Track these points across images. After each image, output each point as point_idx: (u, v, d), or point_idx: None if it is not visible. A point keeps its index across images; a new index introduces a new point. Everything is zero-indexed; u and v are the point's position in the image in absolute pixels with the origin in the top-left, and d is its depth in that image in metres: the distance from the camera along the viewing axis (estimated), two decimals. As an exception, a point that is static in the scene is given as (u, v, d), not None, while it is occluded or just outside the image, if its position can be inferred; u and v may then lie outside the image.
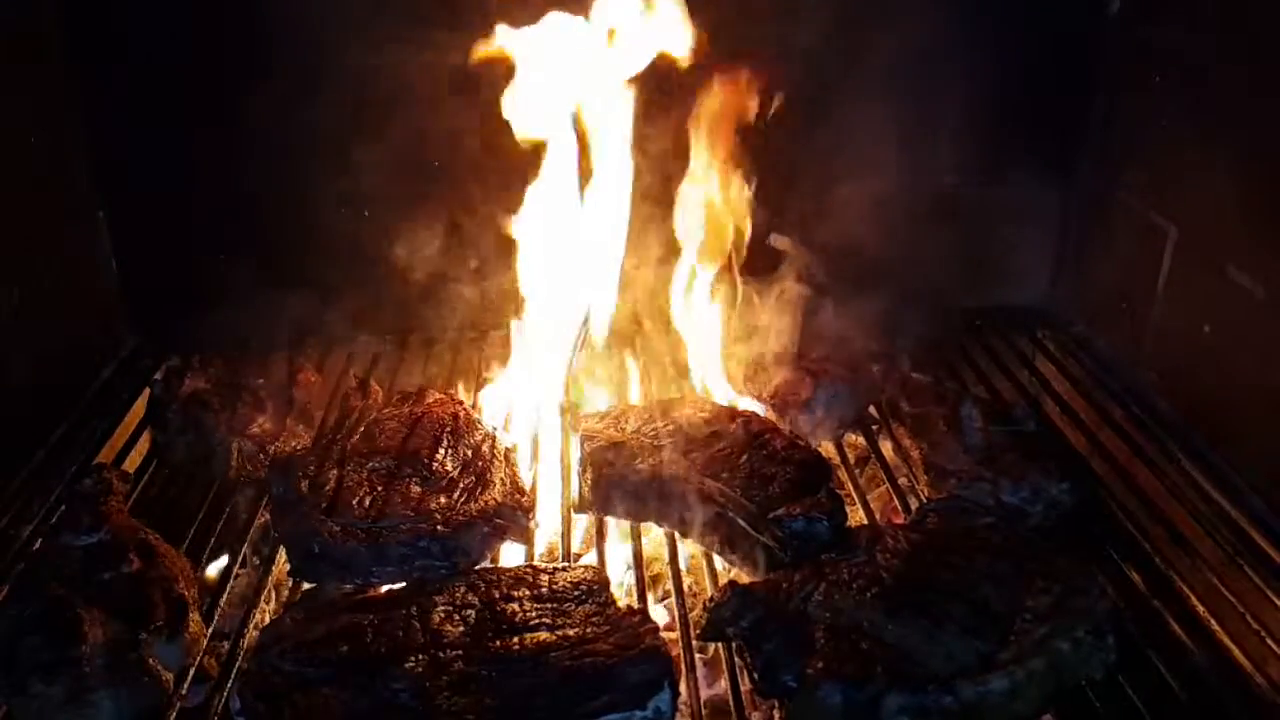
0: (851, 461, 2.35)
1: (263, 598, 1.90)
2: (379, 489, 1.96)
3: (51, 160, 2.49)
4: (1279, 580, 1.85)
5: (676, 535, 2.01)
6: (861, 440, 2.42)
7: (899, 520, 2.09)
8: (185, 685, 1.65)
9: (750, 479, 1.97)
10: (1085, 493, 2.10)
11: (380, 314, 2.80)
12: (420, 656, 1.57)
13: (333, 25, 2.39)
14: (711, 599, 1.70)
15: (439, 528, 1.85)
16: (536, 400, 2.46)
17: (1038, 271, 2.94)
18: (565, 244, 2.49)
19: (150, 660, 1.62)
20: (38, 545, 1.95)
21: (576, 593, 1.71)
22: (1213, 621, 1.79)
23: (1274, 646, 1.72)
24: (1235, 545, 1.95)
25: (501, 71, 2.37)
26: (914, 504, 2.10)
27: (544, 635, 1.61)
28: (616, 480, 2.03)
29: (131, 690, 1.58)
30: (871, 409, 2.46)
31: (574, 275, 2.50)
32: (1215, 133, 2.24)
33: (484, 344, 2.79)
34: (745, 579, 1.86)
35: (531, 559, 1.98)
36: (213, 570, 2.04)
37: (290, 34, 2.38)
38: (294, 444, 2.28)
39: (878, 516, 2.17)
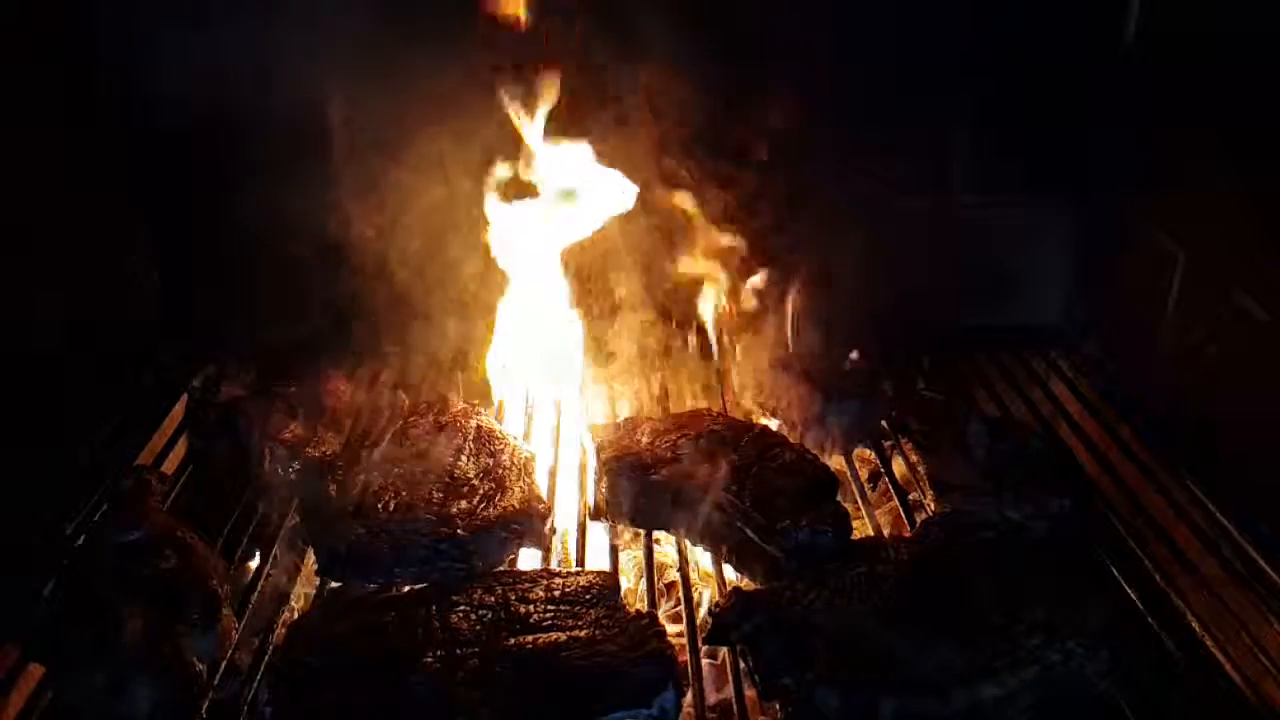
0: (862, 476, 2.41)
1: (292, 595, 2.00)
2: (403, 494, 2.05)
3: (94, 168, 2.60)
4: (1278, 600, 1.89)
5: (687, 543, 2.08)
6: (872, 455, 2.48)
7: (907, 535, 2.14)
8: (218, 677, 1.74)
9: (759, 490, 2.03)
10: (1088, 510, 2.14)
11: (408, 325, 2.87)
12: (438, 653, 1.65)
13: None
14: (716, 604, 1.76)
15: (459, 532, 1.93)
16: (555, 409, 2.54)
17: (1052, 293, 2.98)
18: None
19: (185, 652, 1.71)
20: (82, 542, 2.04)
21: (588, 596, 1.78)
22: (1208, 638, 1.82)
23: (1269, 664, 1.76)
24: (1236, 565, 1.99)
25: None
26: (921, 519, 2.15)
27: (556, 636, 1.68)
28: (630, 490, 2.11)
29: (167, 680, 1.66)
30: (884, 424, 2.52)
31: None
32: (1223, 160, 2.28)
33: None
34: (752, 586, 1.92)
35: (547, 563, 2.06)
36: (245, 569, 2.12)
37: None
38: (324, 450, 2.35)
39: (886, 531, 2.23)
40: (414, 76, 2.42)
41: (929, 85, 2.63)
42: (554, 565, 2.09)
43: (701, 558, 2.14)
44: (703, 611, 2.00)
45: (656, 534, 2.14)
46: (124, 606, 1.74)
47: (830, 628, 1.66)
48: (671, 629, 1.78)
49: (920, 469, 2.27)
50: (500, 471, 2.13)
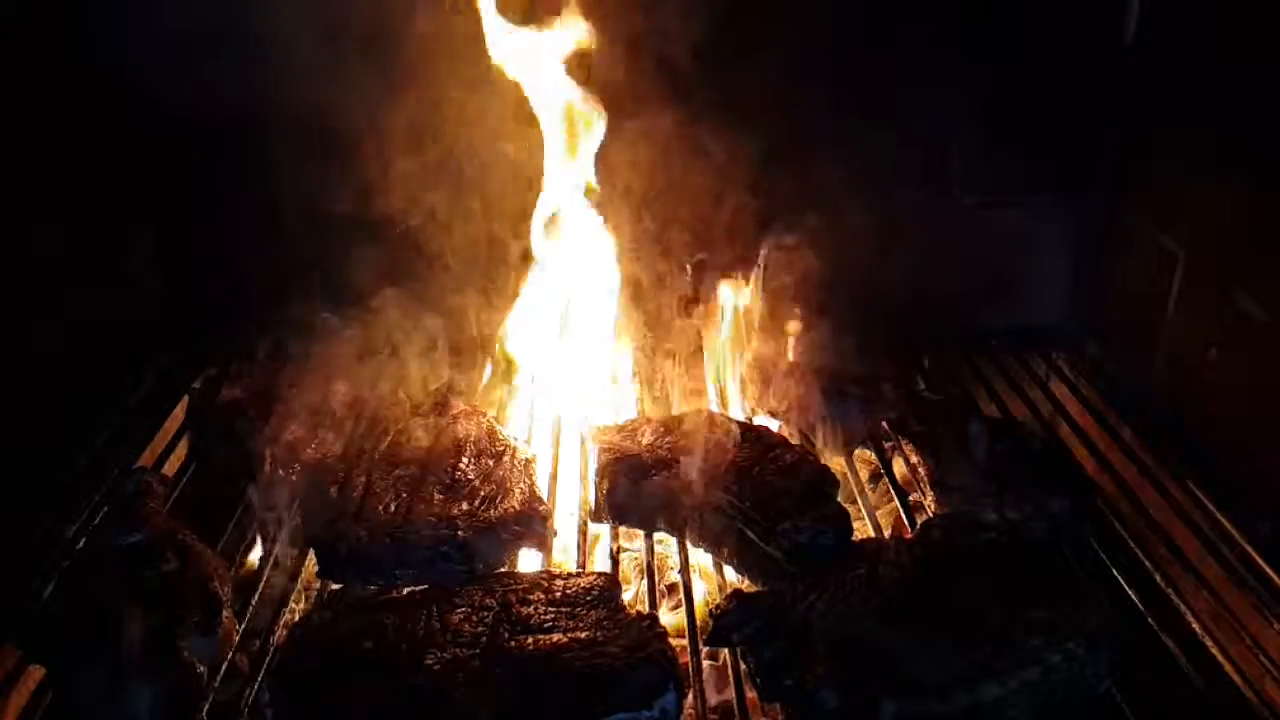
0: (862, 476, 2.41)
1: (292, 597, 1.99)
2: (404, 495, 2.05)
3: (94, 168, 2.60)
4: (1278, 600, 1.89)
5: (688, 544, 2.08)
6: (872, 455, 2.48)
7: (908, 535, 2.14)
8: (218, 678, 1.74)
9: (759, 491, 2.03)
10: (1088, 510, 2.14)
11: (409, 324, 2.87)
12: (439, 654, 1.65)
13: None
14: (716, 606, 1.76)
15: (460, 533, 1.93)
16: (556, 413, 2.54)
17: (1053, 293, 2.97)
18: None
19: (186, 654, 1.71)
20: (82, 544, 2.04)
21: (589, 598, 1.78)
22: (1208, 638, 1.82)
23: (1269, 664, 1.76)
24: (1236, 565, 1.99)
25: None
26: (921, 519, 2.15)
27: (556, 637, 1.68)
28: (631, 491, 2.11)
29: (168, 682, 1.67)
30: (884, 424, 2.52)
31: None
32: (1223, 161, 2.28)
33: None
34: (754, 588, 1.92)
35: (548, 565, 2.06)
36: (246, 570, 2.12)
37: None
38: (325, 451, 2.35)
39: (886, 531, 2.23)
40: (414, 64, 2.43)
41: (929, 84, 2.62)
42: (553, 566, 2.09)
43: (702, 559, 2.14)
44: (703, 612, 2.00)
45: (657, 535, 2.14)
46: (124, 608, 1.73)
47: (831, 628, 1.66)
48: (672, 629, 1.79)
49: (920, 469, 2.27)
50: (501, 473, 2.13)
